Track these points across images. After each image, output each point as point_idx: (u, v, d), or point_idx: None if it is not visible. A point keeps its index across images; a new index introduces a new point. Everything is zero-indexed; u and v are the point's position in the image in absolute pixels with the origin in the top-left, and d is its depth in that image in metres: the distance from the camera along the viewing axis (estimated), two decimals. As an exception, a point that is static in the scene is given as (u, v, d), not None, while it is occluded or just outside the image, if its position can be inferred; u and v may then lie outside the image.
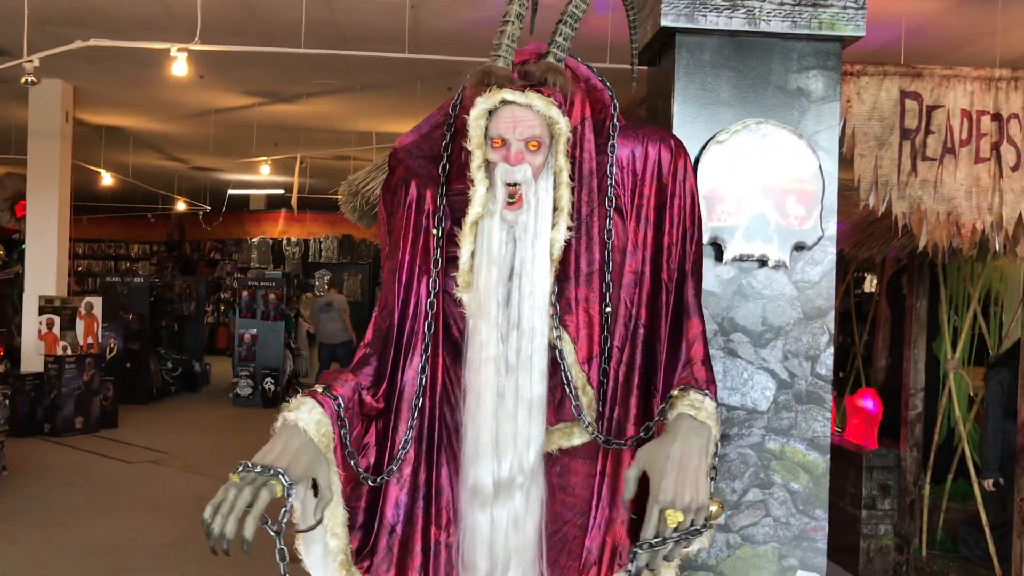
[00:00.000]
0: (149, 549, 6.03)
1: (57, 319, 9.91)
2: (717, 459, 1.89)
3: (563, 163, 1.98)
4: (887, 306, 6.07)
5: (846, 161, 2.93)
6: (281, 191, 17.29)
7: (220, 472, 8.22)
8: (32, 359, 10.14)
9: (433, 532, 2.01)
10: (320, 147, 12.96)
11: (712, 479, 1.83)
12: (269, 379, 12.45)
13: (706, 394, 1.90)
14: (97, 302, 10.37)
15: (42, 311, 9.94)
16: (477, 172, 1.95)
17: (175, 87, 9.73)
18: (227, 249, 21.27)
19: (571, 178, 2.01)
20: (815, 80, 2.71)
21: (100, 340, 10.41)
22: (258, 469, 1.68)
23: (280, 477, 1.69)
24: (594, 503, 2.02)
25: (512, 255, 1.95)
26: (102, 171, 13.58)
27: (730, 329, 2.67)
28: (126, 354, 11.67)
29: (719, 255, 2.64)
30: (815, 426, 2.73)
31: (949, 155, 2.93)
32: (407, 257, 2.06)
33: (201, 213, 18.91)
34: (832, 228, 2.72)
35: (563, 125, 1.96)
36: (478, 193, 1.94)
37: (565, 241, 1.98)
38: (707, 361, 2.01)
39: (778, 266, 2.68)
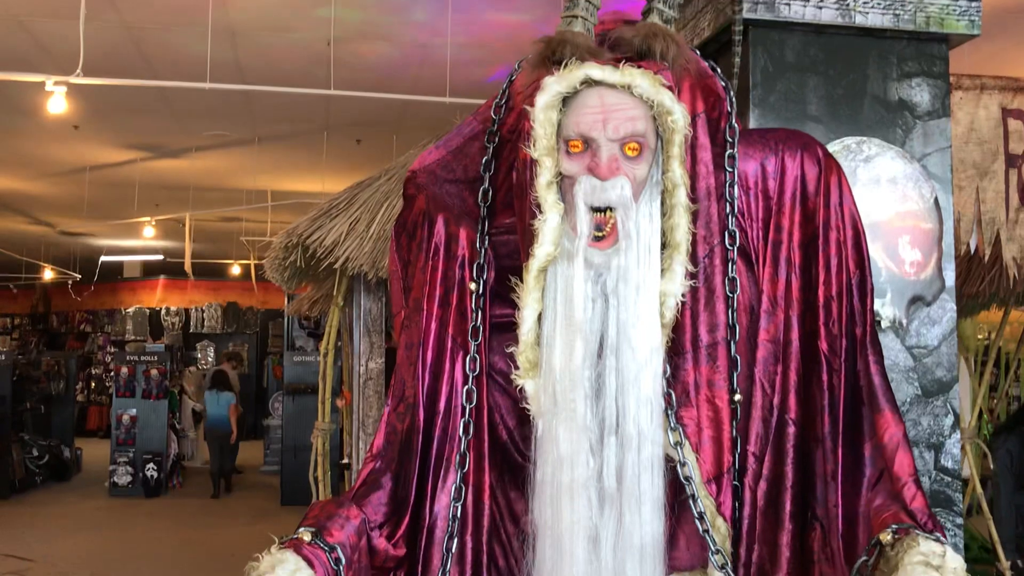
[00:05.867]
0: None
1: (-100, 405, 8.64)
2: None
3: (679, 174, 1.34)
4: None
5: (942, 194, 2.36)
6: (160, 257, 16.04)
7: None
8: None
9: None
10: (208, 207, 11.91)
11: None
12: (151, 465, 11.27)
13: (940, 540, 1.29)
14: (-51, 384, 9.13)
15: None
16: (547, 192, 1.30)
17: (46, 138, 8.76)
18: (99, 321, 19.71)
19: (691, 200, 1.35)
20: (920, 90, 2.15)
21: (-48, 428, 9.14)
22: None
23: None
24: None
25: (602, 319, 1.28)
26: (-43, 237, 12.24)
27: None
28: (-17, 442, 10.34)
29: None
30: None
31: (1066, 186, 2.38)
32: (434, 325, 1.40)
33: (70, 282, 17.42)
34: (951, 278, 2.14)
35: (679, 116, 1.32)
36: (549, 224, 1.30)
37: (682, 297, 1.34)
38: (919, 481, 1.37)
39: (893, 327, 2.06)
